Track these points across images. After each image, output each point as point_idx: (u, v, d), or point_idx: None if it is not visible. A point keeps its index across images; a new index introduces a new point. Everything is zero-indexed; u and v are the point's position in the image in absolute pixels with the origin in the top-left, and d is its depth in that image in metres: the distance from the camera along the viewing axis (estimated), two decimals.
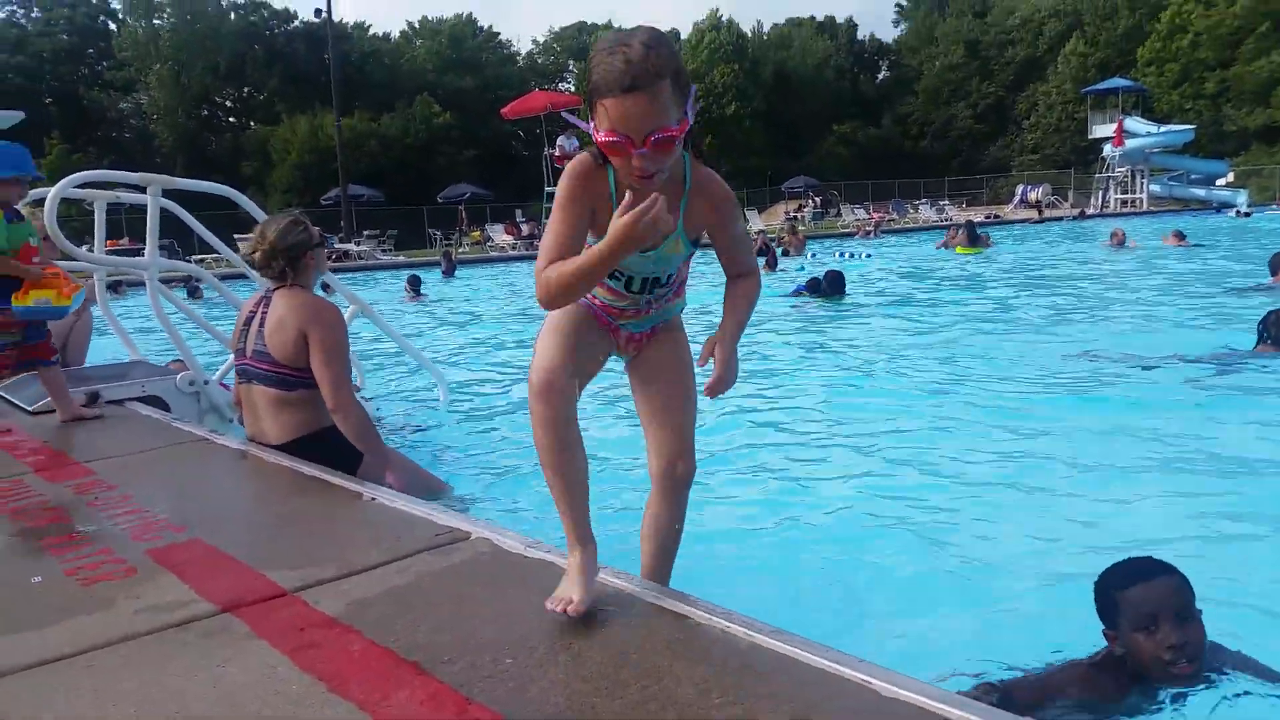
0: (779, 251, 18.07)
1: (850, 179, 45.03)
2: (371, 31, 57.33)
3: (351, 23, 55.73)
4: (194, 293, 14.75)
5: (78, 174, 4.67)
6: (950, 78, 57.20)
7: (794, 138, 57.13)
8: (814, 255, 19.38)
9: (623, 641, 1.76)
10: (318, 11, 31.33)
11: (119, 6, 50.76)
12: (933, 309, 10.43)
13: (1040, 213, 33.52)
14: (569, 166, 1.97)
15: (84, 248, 5.26)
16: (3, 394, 4.77)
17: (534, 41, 67.19)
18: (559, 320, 2.07)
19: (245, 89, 52.07)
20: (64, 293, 3.90)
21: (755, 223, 32.99)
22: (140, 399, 4.67)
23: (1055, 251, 18.76)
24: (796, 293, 11.08)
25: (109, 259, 5.63)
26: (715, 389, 2.08)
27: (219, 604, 2.01)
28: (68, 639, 1.88)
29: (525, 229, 29.55)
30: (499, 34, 63.99)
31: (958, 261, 16.73)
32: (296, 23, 52.80)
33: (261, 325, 3.57)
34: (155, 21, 48.79)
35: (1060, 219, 32.24)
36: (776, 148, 55.25)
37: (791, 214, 35.83)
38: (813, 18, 65.06)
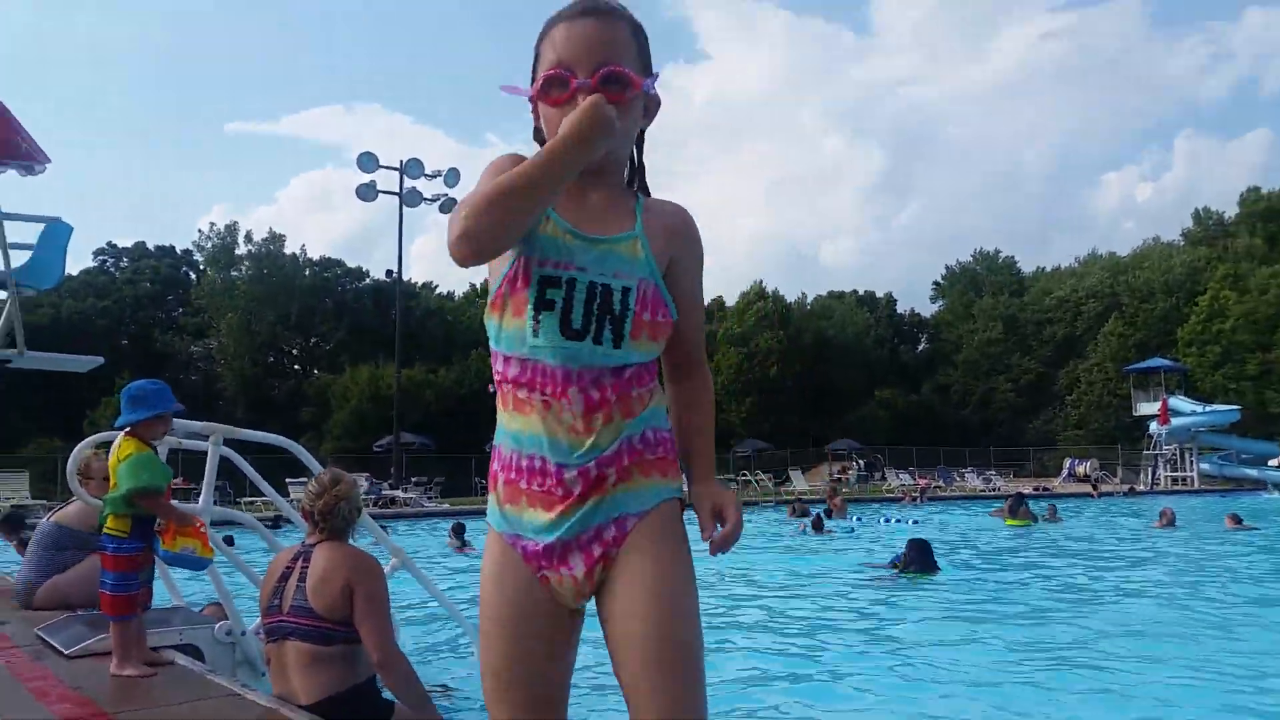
0: (822, 513, 17.89)
1: (892, 443, 45.17)
2: (437, 291, 60.70)
3: (420, 283, 59.26)
4: (230, 539, 14.80)
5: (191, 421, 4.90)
6: (989, 352, 58.47)
7: (835, 401, 58.07)
8: (859, 519, 19.14)
9: None
10: (389, 272, 33.49)
11: (200, 259, 54.61)
12: (998, 579, 10.12)
13: (1096, 488, 33.05)
14: (498, 157, 1.56)
15: None
16: (40, 634, 4.74)
17: None
18: (485, 612, 1.53)
19: (312, 339, 54.67)
20: (206, 545, 3.93)
21: (799, 482, 32.92)
22: (177, 647, 4.62)
23: (1105, 527, 18.38)
24: (890, 564, 10.29)
25: (168, 504, 5.75)
26: (725, 545, 1.63)
27: None
28: None
29: None
30: None
31: (1010, 532, 16.46)
32: (367, 280, 56.11)
33: (301, 580, 3.57)
34: (233, 273, 52.11)
35: (1111, 494, 31.76)
36: (818, 410, 56.06)
37: (836, 474, 35.74)
38: (854, 291, 68.03)
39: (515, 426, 1.53)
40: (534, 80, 1.59)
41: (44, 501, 21.07)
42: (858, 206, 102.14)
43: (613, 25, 1.54)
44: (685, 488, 1.65)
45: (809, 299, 66.87)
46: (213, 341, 52.50)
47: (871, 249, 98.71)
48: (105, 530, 3.90)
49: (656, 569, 1.51)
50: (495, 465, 1.59)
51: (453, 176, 30.03)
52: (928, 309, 69.74)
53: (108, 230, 63.62)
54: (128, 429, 3.95)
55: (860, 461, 40.12)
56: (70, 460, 5.44)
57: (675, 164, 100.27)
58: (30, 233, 7.01)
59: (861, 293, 68.50)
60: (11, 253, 6.60)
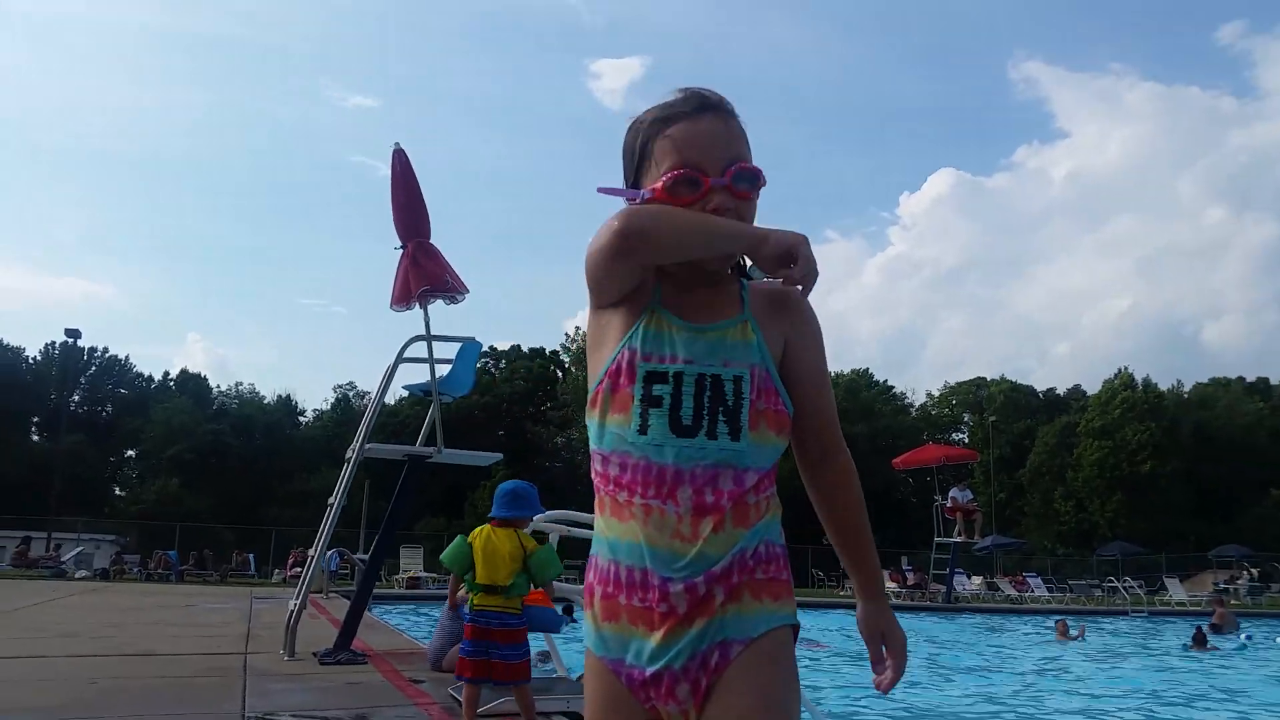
0: (1204, 627, 15.89)
1: None
2: None
3: None
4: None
5: (549, 513, 5.65)
6: None
7: (1222, 501, 51.21)
8: (1249, 637, 16.75)
9: None
10: None
11: (566, 358, 59.73)
12: None
13: None
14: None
15: None
16: (453, 694, 5.55)
17: (929, 394, 68.35)
18: None
19: None
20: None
21: (1176, 592, 29.37)
22: (564, 714, 5.22)
23: None
24: None
25: (569, 586, 6.50)
26: (892, 682, 1.49)
27: None
28: None
29: (911, 578, 28.68)
30: (894, 387, 66.15)
31: None
32: None
33: None
34: None
35: None
36: (1200, 511, 49.73)
37: (1222, 584, 31.46)
38: (1242, 378, 60.23)
39: (613, 534, 1.40)
40: (634, 182, 1.51)
41: (434, 574, 23.87)
42: (1247, 283, 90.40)
43: (732, 121, 1.48)
44: (796, 613, 1.45)
45: (1186, 387, 60.13)
46: (574, 432, 56.95)
47: (1265, 330, 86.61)
48: (503, 608, 4.51)
49: (757, 702, 1.33)
50: (591, 577, 1.44)
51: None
52: None
53: (490, 335, 71.66)
54: (498, 521, 4.62)
55: (1253, 570, 34.92)
56: None
57: (1034, 245, 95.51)
58: (449, 349, 8.31)
59: (1251, 379, 60.43)
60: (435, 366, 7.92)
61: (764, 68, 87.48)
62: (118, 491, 57.30)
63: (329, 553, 13.37)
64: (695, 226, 1.38)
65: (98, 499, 51.27)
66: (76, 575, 24.45)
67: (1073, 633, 15.46)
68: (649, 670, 1.35)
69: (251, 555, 30.30)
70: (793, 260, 1.40)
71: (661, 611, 1.34)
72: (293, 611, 7.38)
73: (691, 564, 1.34)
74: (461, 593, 4.85)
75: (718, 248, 1.42)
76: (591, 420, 1.46)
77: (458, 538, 4.58)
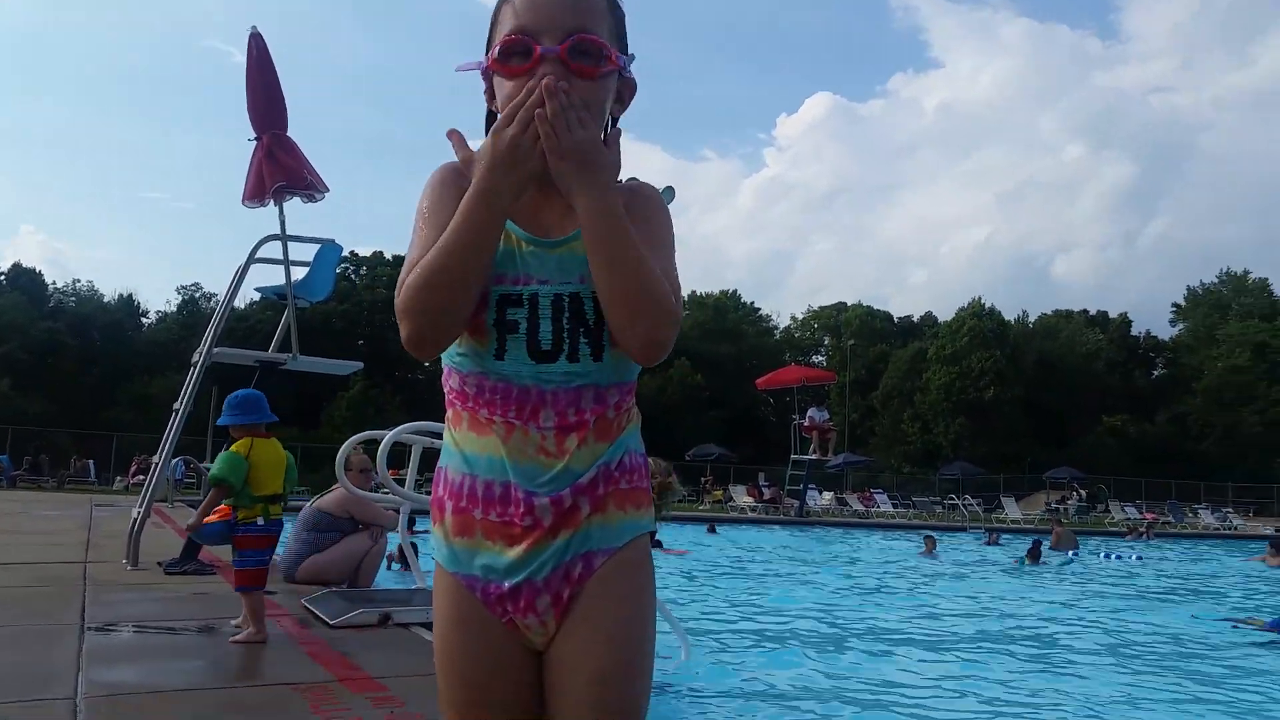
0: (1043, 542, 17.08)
1: (1120, 474, 42.26)
2: None
3: None
4: None
5: (408, 424, 5.49)
6: (1234, 380, 53.64)
7: (1058, 427, 54.92)
8: (1074, 554, 18.12)
9: None
10: None
11: None
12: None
13: None
14: (439, 168, 1.37)
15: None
16: (307, 604, 5.41)
17: (792, 317, 70.28)
18: (448, 671, 1.34)
19: None
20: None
21: (1013, 511, 31.52)
22: (423, 624, 5.16)
23: None
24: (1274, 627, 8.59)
25: (417, 496, 6.40)
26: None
27: None
28: None
29: (768, 493, 29.76)
30: (759, 309, 67.65)
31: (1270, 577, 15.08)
32: None
33: None
34: None
35: None
36: (1038, 435, 53.23)
37: (1054, 504, 33.94)
38: (1085, 311, 64.15)
39: (471, 449, 1.32)
40: (488, 51, 1.34)
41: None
42: (1098, 220, 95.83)
43: None
44: (654, 520, 1.43)
45: (1031, 317, 63.61)
46: None
47: (1110, 265, 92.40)
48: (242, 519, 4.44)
49: (620, 612, 1.32)
50: (440, 491, 1.37)
51: (669, 194, 30.75)
52: (1166, 332, 64.86)
53: (351, 240, 69.23)
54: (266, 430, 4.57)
55: (1082, 492, 37.78)
56: (339, 454, 6.18)
57: (902, 173, 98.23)
58: (307, 251, 7.92)
59: (1094, 312, 64.46)
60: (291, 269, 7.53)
61: None
62: None
63: (174, 460, 12.84)
64: (440, 268, 1.21)
65: None
66: None
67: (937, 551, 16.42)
68: (507, 584, 1.31)
69: (91, 462, 28.92)
70: (523, 126, 1.20)
71: (525, 525, 1.29)
72: (136, 520, 7.09)
73: (557, 478, 1.30)
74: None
75: (480, 244, 1.22)
76: None
77: (228, 453, 4.44)
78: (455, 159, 1.31)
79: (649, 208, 1.38)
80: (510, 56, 1.28)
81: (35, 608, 5.26)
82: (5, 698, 3.30)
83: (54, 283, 58.03)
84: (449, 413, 1.38)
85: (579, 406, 1.31)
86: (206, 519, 4.59)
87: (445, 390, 1.38)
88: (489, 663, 1.33)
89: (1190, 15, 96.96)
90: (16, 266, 56.98)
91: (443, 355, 1.35)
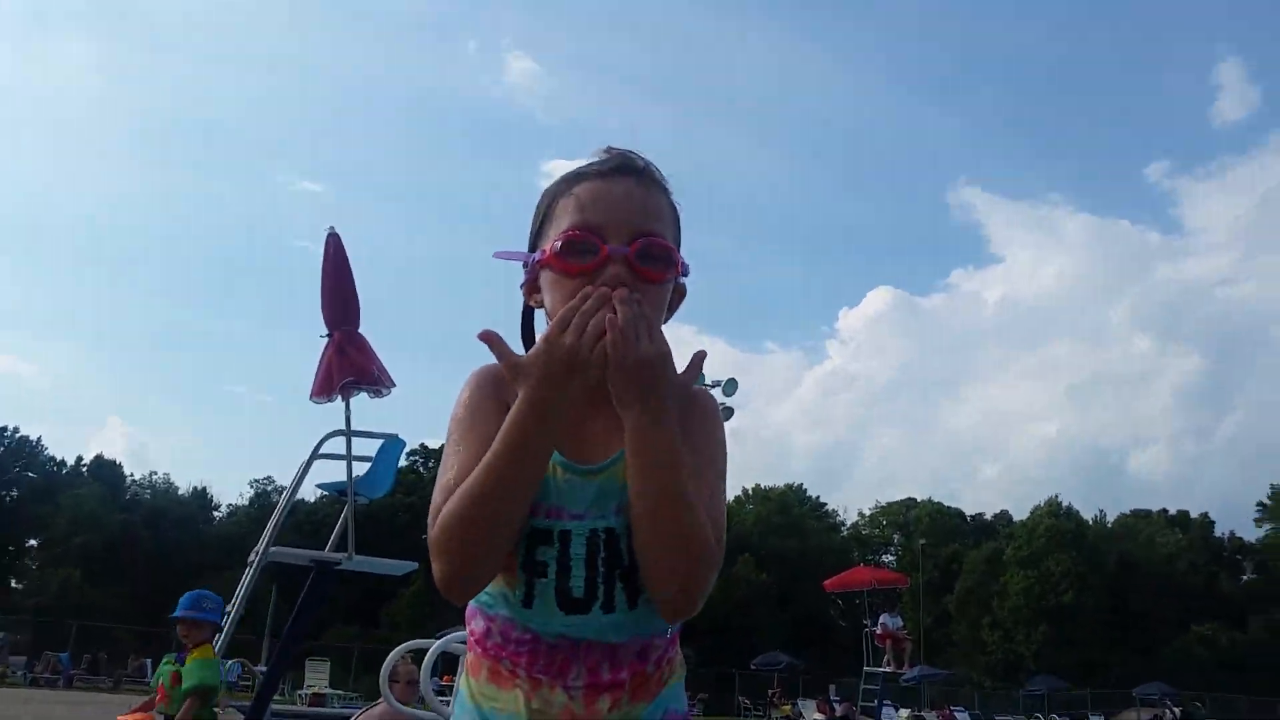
0: None
1: (1213, 690, 39.06)
2: None
3: None
4: None
5: (456, 633, 5.25)
6: None
7: (1143, 635, 51.62)
8: None
9: None
10: None
11: None
12: None
13: None
14: (476, 372, 1.25)
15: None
16: None
17: (860, 513, 68.59)
18: None
19: None
20: None
21: None
22: None
23: None
24: None
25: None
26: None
27: None
28: None
29: (839, 709, 28.03)
30: (825, 503, 66.32)
31: None
32: None
33: None
34: None
35: None
36: (1122, 644, 50.02)
37: None
38: (1164, 511, 61.64)
39: (490, 704, 1.17)
40: (534, 246, 1.26)
41: (341, 691, 22.54)
42: (1171, 414, 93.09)
43: (654, 191, 1.24)
44: None
45: (1109, 515, 61.24)
46: None
47: (1186, 461, 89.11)
48: None
49: None
50: None
51: (731, 386, 30.91)
52: (1251, 532, 61.66)
53: (420, 433, 70.40)
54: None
55: (1176, 710, 34.87)
56: (385, 664, 5.89)
57: (966, 366, 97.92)
58: (370, 447, 7.91)
59: (1173, 512, 61.85)
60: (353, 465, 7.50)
61: (717, 181, 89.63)
62: (14, 584, 54.16)
63: (229, 662, 12.53)
64: (477, 498, 1.07)
65: None
66: None
67: None
68: None
69: (149, 660, 28.58)
70: (580, 332, 1.07)
71: None
72: None
73: None
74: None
75: (522, 460, 1.07)
76: None
77: (207, 660, 4.31)
78: (492, 360, 1.17)
79: (707, 423, 1.25)
80: (573, 253, 1.17)
81: None
82: None
83: (132, 474, 59.65)
84: (468, 656, 1.24)
85: (614, 662, 1.17)
86: None
87: (467, 631, 1.24)
88: None
89: (1250, 208, 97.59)
90: (99, 458, 58.88)
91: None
